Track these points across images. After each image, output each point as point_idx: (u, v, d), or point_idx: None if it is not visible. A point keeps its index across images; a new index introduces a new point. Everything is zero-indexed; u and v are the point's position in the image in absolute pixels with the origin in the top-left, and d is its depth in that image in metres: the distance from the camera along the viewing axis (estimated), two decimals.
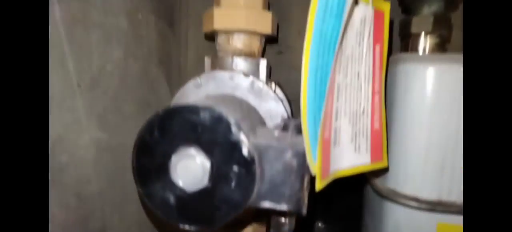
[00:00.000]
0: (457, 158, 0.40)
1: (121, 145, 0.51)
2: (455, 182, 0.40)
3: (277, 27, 0.69)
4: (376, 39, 0.35)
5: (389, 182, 0.44)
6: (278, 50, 0.72)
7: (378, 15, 0.35)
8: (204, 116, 0.30)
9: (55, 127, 0.37)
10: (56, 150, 0.37)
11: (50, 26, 0.36)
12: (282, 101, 0.48)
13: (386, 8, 0.36)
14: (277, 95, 0.59)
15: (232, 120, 0.30)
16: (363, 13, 0.33)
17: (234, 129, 0.30)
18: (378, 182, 0.45)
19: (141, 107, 0.58)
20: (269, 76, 0.58)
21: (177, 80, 0.74)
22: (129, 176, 0.34)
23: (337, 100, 0.32)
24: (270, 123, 0.45)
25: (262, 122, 0.43)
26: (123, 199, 0.52)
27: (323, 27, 0.29)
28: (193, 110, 0.30)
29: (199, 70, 0.73)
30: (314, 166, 0.29)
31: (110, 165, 0.49)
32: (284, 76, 0.71)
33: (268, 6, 0.54)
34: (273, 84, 0.55)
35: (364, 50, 0.34)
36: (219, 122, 0.30)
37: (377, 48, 0.36)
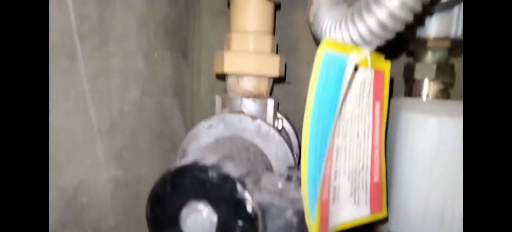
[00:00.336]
0: (457, 208, 0.41)
1: (136, 178, 0.55)
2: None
3: (286, 59, 0.71)
4: (376, 96, 0.37)
5: (390, 227, 0.45)
6: (287, 80, 0.74)
7: (378, 74, 0.37)
8: (212, 174, 0.33)
9: (77, 173, 0.40)
10: (78, 193, 0.41)
11: (75, 81, 0.39)
12: (287, 142, 0.50)
13: (387, 67, 0.38)
14: (284, 129, 0.62)
15: (237, 178, 0.32)
16: (363, 77, 0.35)
17: (239, 187, 0.32)
18: (381, 226, 0.46)
19: (156, 139, 0.61)
20: (277, 109, 0.60)
21: (190, 108, 0.77)
22: (143, 206, 0.36)
23: (336, 161, 0.34)
24: (275, 163, 0.48)
25: (268, 165, 0.46)
26: (137, 228, 0.55)
27: (324, 95, 0.31)
28: (202, 169, 0.33)
29: (211, 96, 0.76)
30: (313, 226, 0.31)
31: (126, 198, 0.52)
32: (292, 106, 0.73)
33: (276, 47, 0.57)
34: (280, 121, 0.57)
35: (364, 110, 0.36)
36: (226, 180, 0.33)
37: (377, 105, 0.37)
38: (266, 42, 0.51)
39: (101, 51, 0.44)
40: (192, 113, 0.79)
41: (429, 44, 0.46)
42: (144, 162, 0.58)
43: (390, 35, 0.33)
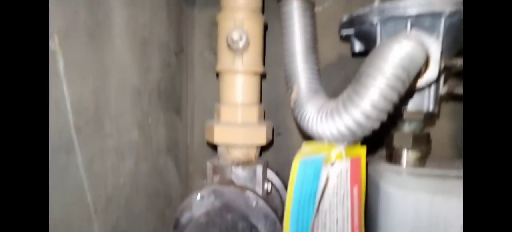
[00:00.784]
0: None
1: None
2: None
3: (275, 112, 0.74)
4: (354, 182, 0.40)
5: None
6: (278, 132, 0.77)
7: (354, 161, 0.40)
8: None
9: None
10: None
11: (72, 173, 0.42)
12: (276, 208, 0.52)
13: (362, 152, 0.41)
14: (274, 187, 0.64)
15: None
16: (339, 169, 0.38)
17: None
18: None
19: (151, 199, 0.64)
20: (267, 165, 0.62)
21: (184, 159, 0.80)
22: None
23: None
24: None
25: None
26: None
27: (301, 196, 0.34)
28: None
29: (205, 147, 0.79)
30: None
31: None
32: (284, 156, 0.76)
33: (264, 113, 0.60)
34: (269, 184, 0.59)
35: (342, 197, 0.38)
36: None
37: (355, 190, 0.40)
38: (253, 112, 0.54)
39: (97, 135, 0.46)
40: (186, 164, 0.82)
41: (405, 116, 0.49)
42: (139, 226, 0.60)
43: (367, 132, 0.36)
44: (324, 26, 0.68)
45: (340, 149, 0.36)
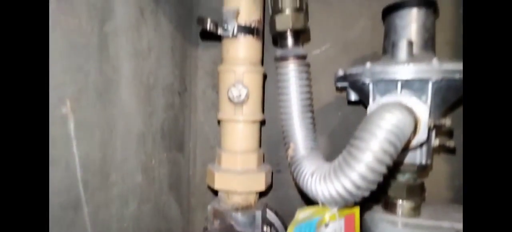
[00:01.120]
0: None
1: None
2: None
3: (275, 150, 0.76)
4: None
5: None
6: (278, 169, 0.78)
7: (348, 218, 0.41)
8: None
9: None
10: None
11: (79, 227, 0.44)
12: None
13: (356, 209, 0.42)
14: (273, 227, 0.66)
15: None
16: (333, 228, 0.39)
17: None
18: None
19: None
20: (266, 206, 0.64)
21: (186, 194, 0.82)
22: None
23: None
24: None
25: None
26: None
27: None
28: None
29: (206, 182, 0.81)
30: None
31: None
32: (283, 192, 0.78)
33: (263, 157, 0.62)
34: (268, 228, 0.61)
35: None
36: None
37: None
38: (253, 159, 0.57)
39: (103, 186, 0.49)
40: (188, 199, 0.83)
41: (400, 167, 0.51)
42: None
43: (358, 199, 0.37)
44: (322, 69, 0.71)
45: (333, 211, 0.38)
